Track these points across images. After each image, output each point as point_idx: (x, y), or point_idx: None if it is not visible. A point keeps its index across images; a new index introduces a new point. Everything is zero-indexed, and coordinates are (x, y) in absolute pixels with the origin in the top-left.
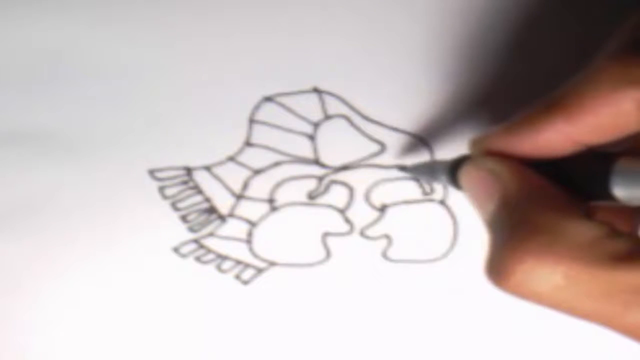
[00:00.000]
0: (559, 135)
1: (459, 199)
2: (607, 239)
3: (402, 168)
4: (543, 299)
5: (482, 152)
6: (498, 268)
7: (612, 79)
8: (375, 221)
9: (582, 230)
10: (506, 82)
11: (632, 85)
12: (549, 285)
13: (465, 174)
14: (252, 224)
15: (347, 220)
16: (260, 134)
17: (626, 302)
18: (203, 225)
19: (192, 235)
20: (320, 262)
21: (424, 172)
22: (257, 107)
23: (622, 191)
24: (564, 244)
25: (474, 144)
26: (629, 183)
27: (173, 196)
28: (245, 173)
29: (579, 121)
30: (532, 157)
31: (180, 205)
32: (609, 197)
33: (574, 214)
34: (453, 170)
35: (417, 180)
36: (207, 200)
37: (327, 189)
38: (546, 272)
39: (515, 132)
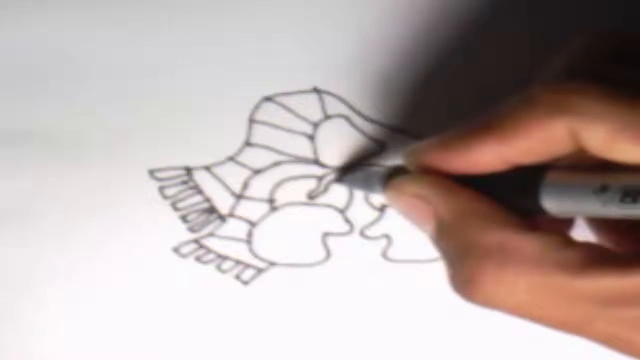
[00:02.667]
0: (491, 155)
1: None
2: (560, 248)
3: (338, 180)
4: (512, 312)
5: (413, 166)
6: (461, 289)
7: (547, 105)
8: (375, 221)
9: (530, 242)
10: (507, 82)
11: (565, 113)
12: (513, 300)
13: (392, 197)
14: (252, 224)
15: (347, 220)
16: (260, 134)
17: (588, 313)
18: (203, 225)
19: (192, 235)
20: (320, 262)
21: (360, 183)
22: (257, 107)
23: (553, 204)
24: (516, 259)
25: (407, 155)
26: (559, 195)
27: (173, 196)
28: (245, 173)
29: (511, 144)
30: (465, 173)
31: (180, 205)
32: (541, 210)
33: (517, 227)
34: (387, 182)
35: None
36: (207, 200)
37: (327, 188)
38: (506, 288)
39: (447, 148)
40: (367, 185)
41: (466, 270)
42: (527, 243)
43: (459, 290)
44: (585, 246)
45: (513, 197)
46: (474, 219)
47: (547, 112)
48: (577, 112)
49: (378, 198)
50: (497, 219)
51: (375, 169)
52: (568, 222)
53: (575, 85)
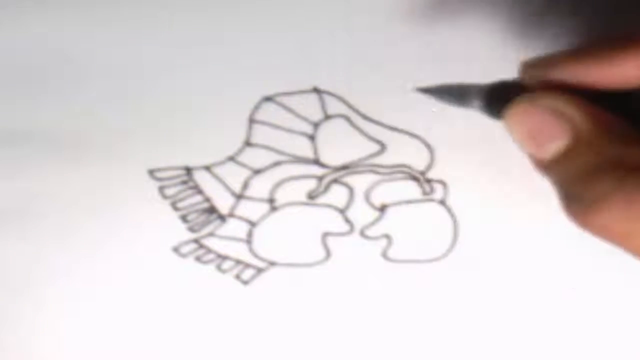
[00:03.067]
0: (634, 69)
1: (459, 199)
2: None
3: (423, 89)
4: (630, 241)
5: (539, 78)
6: (582, 208)
7: None
8: (375, 221)
9: None
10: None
11: None
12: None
13: (517, 113)
14: (252, 224)
15: (347, 220)
16: (260, 134)
17: None
18: (203, 225)
19: (192, 235)
20: (320, 262)
21: (451, 96)
22: (257, 107)
23: None
24: None
25: (528, 67)
26: None
27: (173, 196)
28: (245, 173)
29: None
30: (601, 88)
31: (180, 205)
32: None
33: None
34: (491, 96)
35: (416, 179)
36: (207, 200)
37: (327, 188)
38: (637, 215)
39: (586, 61)
40: (460, 98)
41: (599, 186)
42: None
43: (577, 211)
44: None
45: None
46: (617, 135)
47: None
48: None
49: (378, 198)
50: (635, 137)
51: (470, 83)
52: None
53: None
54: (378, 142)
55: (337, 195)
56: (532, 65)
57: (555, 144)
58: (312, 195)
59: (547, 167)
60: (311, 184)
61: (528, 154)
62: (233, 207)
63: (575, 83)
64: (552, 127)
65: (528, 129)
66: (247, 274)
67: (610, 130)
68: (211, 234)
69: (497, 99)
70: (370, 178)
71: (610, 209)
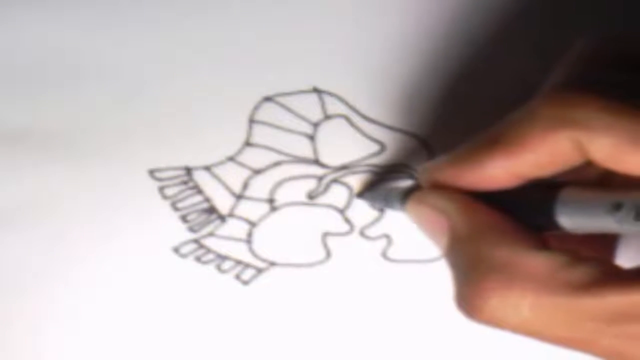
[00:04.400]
0: (501, 170)
1: None
2: (567, 268)
3: (359, 195)
4: (515, 330)
5: (428, 183)
6: (466, 305)
7: (549, 117)
8: (375, 221)
9: (539, 261)
10: (507, 81)
11: (567, 125)
12: (518, 318)
13: (412, 210)
14: (252, 224)
15: (347, 220)
16: (260, 134)
17: (595, 330)
18: (203, 225)
19: (192, 235)
20: (320, 262)
21: (379, 199)
22: (257, 107)
23: (567, 220)
24: (523, 277)
25: (421, 173)
26: (573, 212)
27: (173, 196)
28: (245, 173)
29: (518, 158)
30: (478, 189)
31: (180, 205)
32: (556, 226)
33: (528, 245)
34: (405, 198)
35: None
36: (207, 200)
37: (327, 188)
38: (512, 306)
39: (458, 166)
40: (386, 201)
41: (472, 284)
42: (534, 261)
43: (463, 306)
44: (592, 263)
45: (528, 213)
46: (486, 233)
47: (550, 126)
48: (579, 124)
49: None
50: (508, 235)
51: (394, 185)
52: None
53: (576, 96)
54: (378, 142)
55: (337, 195)
56: (423, 171)
57: (444, 238)
58: (312, 195)
59: (445, 259)
60: (311, 184)
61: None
62: (233, 207)
63: (457, 186)
64: (437, 223)
65: (421, 225)
66: (247, 274)
67: (483, 228)
68: (211, 234)
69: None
70: (370, 178)
71: (483, 307)
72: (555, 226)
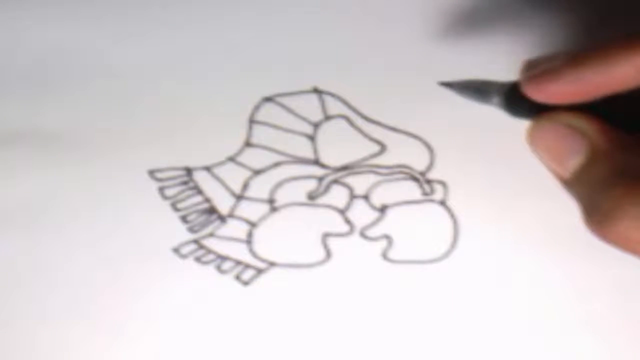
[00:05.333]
0: (635, 68)
1: (459, 200)
2: None
3: (446, 84)
4: None
5: (540, 91)
6: (600, 219)
7: None
8: (375, 221)
9: None
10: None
11: None
12: None
13: (540, 130)
14: (252, 224)
15: (347, 221)
16: (260, 134)
17: None
18: (203, 225)
19: (192, 236)
20: (320, 263)
21: (472, 91)
22: (257, 107)
23: None
24: None
25: (530, 83)
26: None
27: (173, 196)
28: (245, 173)
29: None
30: (602, 94)
31: (180, 205)
32: None
33: None
34: (510, 95)
35: (416, 179)
36: (207, 200)
37: (327, 189)
38: None
39: (585, 66)
40: (480, 94)
41: (610, 198)
42: None
43: (596, 223)
44: None
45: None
46: (624, 147)
47: None
48: None
49: (378, 198)
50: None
51: (490, 80)
52: None
53: None
54: (378, 142)
55: (337, 195)
56: (531, 81)
57: (575, 159)
58: (312, 196)
59: (569, 183)
60: (311, 185)
61: (552, 172)
62: (233, 208)
63: (580, 93)
64: (570, 143)
65: (549, 147)
66: (247, 274)
67: (620, 143)
68: (211, 235)
69: (516, 97)
70: (371, 178)
71: (623, 217)
72: None
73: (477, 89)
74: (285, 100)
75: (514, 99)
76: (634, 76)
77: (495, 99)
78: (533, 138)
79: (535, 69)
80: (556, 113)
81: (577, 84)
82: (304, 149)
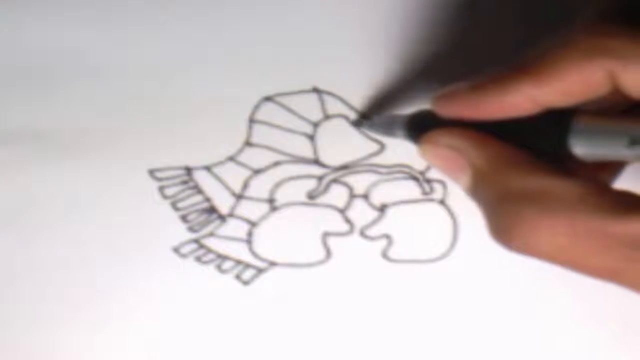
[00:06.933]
0: (525, 98)
1: (459, 199)
2: (596, 194)
3: (357, 124)
4: (550, 259)
5: (443, 111)
6: (500, 235)
7: (583, 47)
8: (375, 221)
9: (568, 188)
10: None
11: (604, 55)
12: (552, 246)
13: (426, 150)
14: (252, 224)
15: (347, 220)
16: (260, 134)
17: (627, 257)
18: (203, 225)
19: (192, 235)
20: (320, 262)
21: (381, 127)
22: (257, 107)
23: (581, 149)
24: (555, 204)
25: (437, 100)
26: (587, 141)
27: (173, 196)
28: (245, 173)
29: (547, 86)
30: (495, 118)
31: (180, 205)
32: (570, 155)
33: (552, 173)
34: (411, 126)
35: (416, 179)
36: (207, 200)
37: (327, 188)
38: (547, 234)
39: (480, 92)
40: (388, 130)
41: (505, 217)
42: (566, 188)
43: (498, 237)
44: (621, 192)
45: (542, 142)
46: (511, 166)
47: (586, 54)
48: (615, 54)
49: (378, 198)
50: (533, 166)
51: (395, 113)
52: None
53: (613, 27)
54: (378, 142)
55: (337, 195)
56: (438, 99)
57: (464, 177)
58: (312, 195)
59: (468, 195)
60: (311, 184)
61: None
62: (233, 207)
63: (475, 115)
64: (454, 163)
65: (438, 164)
66: (248, 274)
67: (503, 162)
68: (211, 234)
69: (417, 128)
70: (370, 178)
71: (517, 237)
72: (567, 155)
73: (382, 125)
74: (285, 100)
75: (416, 130)
76: (526, 106)
77: (400, 132)
78: (423, 154)
79: (445, 90)
80: (441, 133)
81: (474, 107)
82: (304, 149)
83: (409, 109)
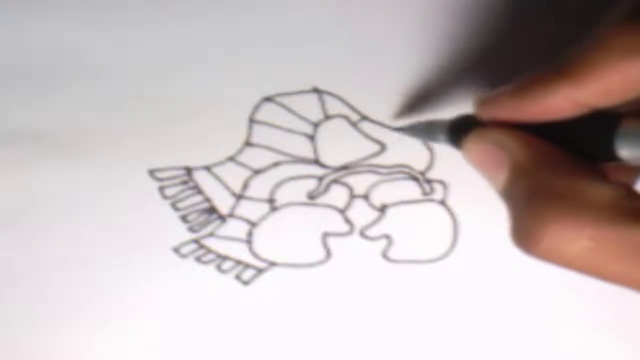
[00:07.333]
0: (566, 100)
1: (459, 199)
2: (628, 199)
3: (399, 129)
4: (572, 263)
5: (486, 115)
6: (524, 236)
7: (622, 46)
8: (375, 221)
9: (600, 192)
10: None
11: None
12: (577, 249)
13: (470, 146)
14: (252, 224)
15: (347, 220)
16: (260, 134)
17: None
18: (203, 225)
19: (192, 235)
20: (320, 262)
21: (421, 132)
22: (257, 107)
23: (627, 152)
24: (585, 207)
25: (479, 105)
26: (634, 143)
27: (173, 196)
28: (245, 173)
29: (586, 87)
30: (538, 121)
31: (181, 205)
32: (614, 158)
33: (589, 176)
34: (453, 130)
35: (416, 179)
36: (207, 200)
37: (327, 189)
38: (573, 236)
39: (522, 96)
40: (429, 134)
41: (532, 214)
42: (595, 191)
43: (520, 238)
44: None
45: (585, 144)
46: (550, 165)
47: (623, 53)
48: None
49: (378, 198)
50: (567, 166)
51: (437, 119)
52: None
53: None
54: (378, 142)
55: (337, 195)
56: (482, 102)
57: (502, 175)
58: (312, 195)
59: (501, 197)
60: (311, 184)
61: (490, 185)
62: (233, 207)
63: (517, 118)
64: (497, 158)
65: (479, 162)
66: (248, 274)
67: (546, 160)
68: (211, 234)
69: (459, 132)
70: (370, 178)
71: (543, 236)
72: (611, 157)
73: (423, 130)
74: (285, 100)
75: (457, 134)
76: (568, 108)
77: (441, 137)
78: (466, 153)
79: (488, 95)
80: (486, 130)
81: (516, 110)
82: (304, 149)
83: (409, 108)
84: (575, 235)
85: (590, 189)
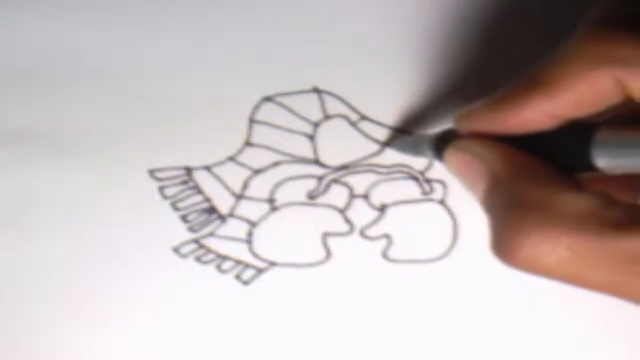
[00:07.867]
0: (540, 112)
1: (459, 199)
2: (604, 208)
3: (387, 144)
4: (551, 272)
5: (465, 129)
6: (503, 247)
7: (589, 56)
8: (375, 221)
9: (577, 202)
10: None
11: (609, 62)
12: (554, 259)
13: (450, 158)
14: (252, 224)
15: (347, 220)
16: (260, 134)
17: (631, 271)
18: (203, 225)
19: (192, 235)
20: (320, 262)
21: (409, 148)
22: (257, 107)
23: (604, 161)
24: (563, 217)
25: (458, 119)
26: (610, 153)
27: (173, 196)
28: (245, 173)
29: (558, 98)
30: (515, 133)
31: (180, 205)
32: (592, 168)
33: (566, 186)
34: (438, 145)
35: (415, 179)
36: (207, 200)
37: (327, 188)
38: (549, 246)
39: (497, 110)
40: (415, 149)
41: (510, 224)
42: (573, 201)
43: (499, 248)
44: (630, 206)
45: (562, 155)
46: (527, 175)
47: (591, 64)
48: (621, 61)
49: (378, 198)
50: (545, 177)
51: (422, 134)
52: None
53: (616, 32)
54: (378, 142)
55: (337, 195)
56: (460, 117)
57: (481, 185)
58: (312, 195)
59: (481, 207)
60: (311, 184)
61: (472, 196)
62: (233, 207)
63: (494, 131)
64: (476, 169)
65: (460, 172)
66: (248, 274)
67: (521, 171)
68: (211, 234)
69: (442, 145)
70: (370, 178)
71: (520, 247)
72: (589, 167)
73: (411, 146)
74: (285, 100)
75: (442, 147)
76: (544, 119)
77: (428, 152)
78: (447, 164)
79: (465, 109)
80: (465, 142)
81: (493, 124)
82: (304, 149)
83: (409, 108)
84: (553, 245)
85: (568, 198)
